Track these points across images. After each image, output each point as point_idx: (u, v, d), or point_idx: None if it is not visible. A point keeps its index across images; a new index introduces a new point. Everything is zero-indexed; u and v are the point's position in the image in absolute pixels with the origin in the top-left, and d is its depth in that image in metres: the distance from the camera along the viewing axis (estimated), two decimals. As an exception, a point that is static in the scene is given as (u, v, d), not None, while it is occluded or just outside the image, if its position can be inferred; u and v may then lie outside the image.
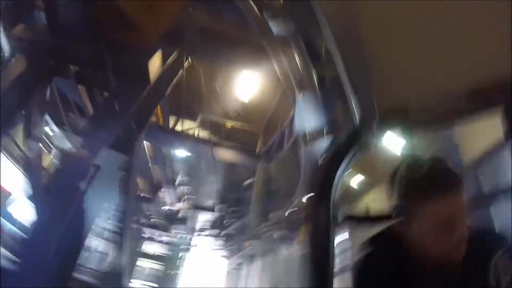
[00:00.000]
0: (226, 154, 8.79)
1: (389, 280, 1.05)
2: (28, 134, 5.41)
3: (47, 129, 9.30)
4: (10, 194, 11.13)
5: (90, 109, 6.74)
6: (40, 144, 5.76)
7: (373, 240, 1.27)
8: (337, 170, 1.75)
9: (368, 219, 1.87)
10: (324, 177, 1.72)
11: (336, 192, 1.83)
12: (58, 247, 2.99)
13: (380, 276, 1.08)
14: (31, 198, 5.13)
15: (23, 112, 5.42)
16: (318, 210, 1.69)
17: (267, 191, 9.69)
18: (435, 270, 1.02)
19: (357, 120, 2.05)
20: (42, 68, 4.96)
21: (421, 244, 1.03)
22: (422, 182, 1.08)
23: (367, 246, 1.26)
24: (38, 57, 4.84)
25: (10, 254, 4.04)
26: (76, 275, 5.18)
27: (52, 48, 4.94)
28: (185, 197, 14.58)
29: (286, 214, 9.13)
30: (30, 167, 5.41)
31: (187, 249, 22.94)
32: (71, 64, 5.48)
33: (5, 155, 11.54)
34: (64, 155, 4.65)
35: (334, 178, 1.73)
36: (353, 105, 2.06)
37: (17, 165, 10.99)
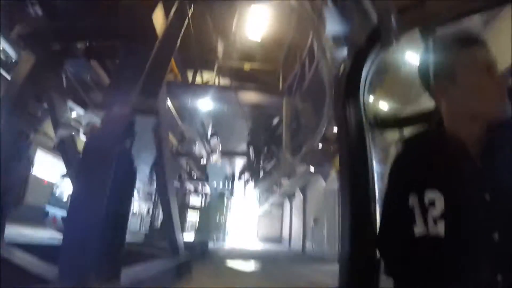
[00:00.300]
0: (250, 97, 8.82)
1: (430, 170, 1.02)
2: (56, 123, 5.73)
3: (74, 114, 9.80)
4: (53, 184, 12.03)
5: (106, 81, 6.96)
6: (69, 129, 6.09)
7: (410, 139, 1.23)
8: (362, 69, 1.77)
9: (403, 120, 1.78)
10: (349, 76, 1.76)
11: (365, 93, 1.86)
12: (105, 218, 3.12)
13: (419, 168, 1.05)
14: (71, 178, 5.53)
15: (46, 104, 5.68)
16: (348, 111, 1.75)
17: (297, 125, 9.79)
18: (486, 127, 1.00)
19: (376, 18, 2.01)
20: (51, 56, 5.01)
21: (469, 98, 1.01)
22: (455, 38, 1.07)
23: (403, 144, 1.21)
24: (44, 47, 4.86)
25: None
26: (128, 240, 5.49)
27: (54, 33, 4.95)
28: (219, 147, 15.05)
29: (318, 145, 9.24)
30: (65, 151, 5.80)
31: (230, 196, 24.23)
32: (76, 41, 5.53)
33: (41, 149, 12.26)
34: (92, 128, 4.79)
35: (360, 77, 1.76)
36: (370, 5, 2.02)
37: (54, 155, 11.67)
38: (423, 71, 1.15)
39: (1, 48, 7.45)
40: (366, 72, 1.71)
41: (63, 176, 10.96)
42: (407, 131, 1.62)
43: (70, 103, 8.22)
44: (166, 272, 5.49)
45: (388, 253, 1.11)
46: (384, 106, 6.62)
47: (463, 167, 0.98)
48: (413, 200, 1.01)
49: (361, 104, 1.63)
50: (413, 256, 1.00)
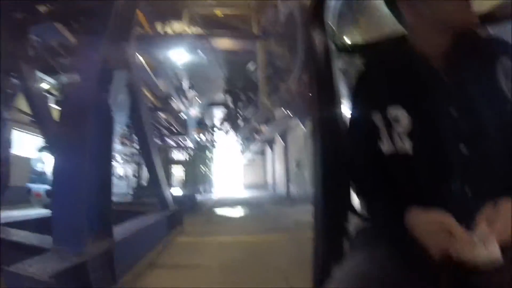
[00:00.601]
0: (224, 44, 8.52)
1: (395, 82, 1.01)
2: (28, 95, 5.43)
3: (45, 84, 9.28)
4: (31, 159, 11.57)
5: (74, 42, 6.52)
6: (43, 98, 5.79)
7: (372, 56, 1.23)
8: None
9: (370, 44, 1.72)
10: (315, 4, 1.72)
11: (334, 22, 1.84)
12: (90, 179, 3.11)
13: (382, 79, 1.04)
14: (51, 147, 5.37)
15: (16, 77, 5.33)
16: (314, 39, 1.73)
17: (273, 69, 9.67)
18: (453, 40, 0.97)
19: None
20: (14, 26, 4.61)
21: (434, 8, 0.94)
22: None
23: (366, 61, 1.19)
24: (5, 17, 4.45)
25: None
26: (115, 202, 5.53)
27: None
28: (196, 99, 14.82)
29: (294, 87, 9.23)
30: (42, 121, 5.56)
31: (213, 148, 24.45)
32: (37, 4, 5.08)
33: (18, 127, 11.66)
34: (64, 91, 4.57)
35: (323, 5, 1.74)
36: None
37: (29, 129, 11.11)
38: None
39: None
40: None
41: (41, 149, 10.60)
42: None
43: (40, 73, 7.79)
44: (157, 224, 5.65)
45: (358, 174, 1.09)
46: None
47: (428, 81, 0.96)
48: (377, 118, 1.00)
49: (329, 31, 1.62)
50: (382, 175, 1.00)
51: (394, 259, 0.88)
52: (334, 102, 1.60)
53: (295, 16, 6.23)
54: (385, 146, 0.98)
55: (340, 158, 1.25)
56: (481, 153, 0.89)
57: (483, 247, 0.72)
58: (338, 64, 1.81)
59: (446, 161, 0.91)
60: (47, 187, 9.53)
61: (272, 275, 3.85)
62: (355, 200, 1.34)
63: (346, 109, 1.68)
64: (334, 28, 1.91)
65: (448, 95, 0.93)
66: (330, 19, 1.80)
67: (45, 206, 9.07)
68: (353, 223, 1.38)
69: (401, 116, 0.95)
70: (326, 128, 1.55)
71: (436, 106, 0.93)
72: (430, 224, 0.81)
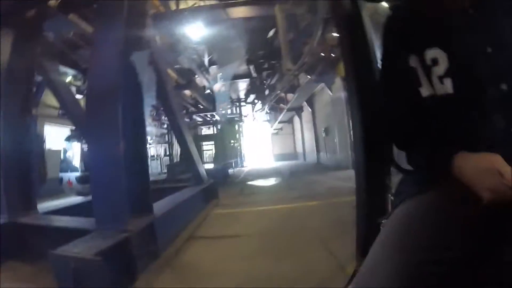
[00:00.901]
0: (240, 12, 8.23)
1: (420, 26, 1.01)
2: (54, 89, 5.56)
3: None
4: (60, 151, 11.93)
5: (90, 31, 6.55)
6: (68, 90, 5.91)
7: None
8: None
9: None
10: None
11: None
12: (125, 159, 3.16)
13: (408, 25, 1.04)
14: (78, 136, 5.54)
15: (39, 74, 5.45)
16: None
17: (294, 33, 9.30)
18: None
19: None
20: (29, 24, 4.64)
21: None
22: None
23: (395, 6, 1.18)
24: (19, 18, 4.48)
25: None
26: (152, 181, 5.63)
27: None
28: (219, 74, 14.70)
29: (318, 50, 8.85)
30: (71, 112, 5.71)
31: (240, 120, 24.50)
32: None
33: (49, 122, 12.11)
34: (89, 79, 4.61)
35: None
36: None
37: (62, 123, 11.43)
38: None
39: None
40: None
41: (68, 138, 10.95)
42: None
43: (62, 67, 7.97)
44: (194, 198, 5.80)
45: (398, 123, 1.08)
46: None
47: (460, 21, 0.95)
48: (414, 61, 0.99)
49: None
50: (424, 118, 0.99)
51: (442, 203, 0.87)
52: (367, 51, 1.53)
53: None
54: (425, 89, 0.98)
55: (379, 112, 1.24)
56: None
57: None
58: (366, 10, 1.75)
59: (488, 99, 0.90)
60: (77, 174, 9.94)
61: (309, 240, 3.87)
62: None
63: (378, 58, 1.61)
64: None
65: (481, 32, 0.93)
66: None
67: (78, 193, 9.50)
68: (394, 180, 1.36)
69: (440, 58, 0.94)
70: (362, 82, 1.50)
71: (470, 45, 0.93)
72: (479, 166, 0.81)
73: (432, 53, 0.96)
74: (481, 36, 0.92)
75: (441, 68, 0.94)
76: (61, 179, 10.61)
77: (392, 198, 1.22)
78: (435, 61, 0.95)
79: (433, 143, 0.96)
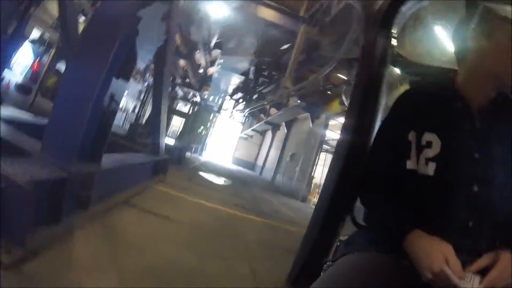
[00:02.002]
0: (267, 13, 8.21)
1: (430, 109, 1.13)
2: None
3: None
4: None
5: None
6: (75, 9, 5.53)
7: (423, 82, 1.34)
8: (401, 5, 1.70)
9: (423, 66, 1.85)
10: (389, 7, 1.66)
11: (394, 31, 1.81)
12: (96, 102, 3.00)
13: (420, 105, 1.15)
14: (66, 58, 5.19)
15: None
16: (377, 40, 1.69)
17: (306, 57, 9.42)
18: (493, 96, 1.10)
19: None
20: None
21: (484, 60, 1.08)
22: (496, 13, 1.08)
23: (416, 84, 1.35)
24: None
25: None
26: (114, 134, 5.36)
27: None
28: (219, 60, 14.48)
29: (320, 82, 9.01)
30: (66, 28, 5.35)
31: (218, 112, 24.22)
32: None
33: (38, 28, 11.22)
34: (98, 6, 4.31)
35: (397, 12, 1.70)
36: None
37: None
38: (457, 30, 1.20)
39: None
40: (403, 10, 1.70)
41: (34, 42, 9.98)
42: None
43: None
44: (143, 166, 5.60)
45: (374, 179, 1.18)
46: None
47: (465, 123, 1.09)
48: (412, 137, 1.11)
49: (390, 38, 1.67)
50: (399, 187, 1.11)
51: (385, 265, 0.97)
52: (374, 108, 1.57)
53: (352, 11, 5.95)
54: (410, 163, 1.10)
55: (360, 165, 1.32)
56: (488, 197, 1.00)
57: (470, 284, 0.86)
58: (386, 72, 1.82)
59: (458, 193, 1.01)
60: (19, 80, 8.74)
61: (236, 249, 3.85)
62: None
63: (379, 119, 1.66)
64: (396, 37, 1.92)
65: (477, 139, 1.06)
66: (396, 28, 1.80)
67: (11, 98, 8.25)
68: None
69: (435, 142, 1.07)
70: (358, 133, 1.53)
71: (464, 145, 1.05)
72: (430, 248, 0.91)
73: (429, 136, 1.08)
74: (475, 142, 1.05)
75: (431, 152, 1.06)
76: (2, 78, 9.56)
77: (338, 244, 1.37)
78: (428, 144, 1.07)
79: (397, 212, 1.06)
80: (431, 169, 1.05)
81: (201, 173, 11.67)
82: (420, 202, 1.05)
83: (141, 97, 18.94)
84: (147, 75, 15.62)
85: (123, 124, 18.91)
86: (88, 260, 2.39)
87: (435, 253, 0.89)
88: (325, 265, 1.11)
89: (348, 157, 1.60)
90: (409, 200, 1.07)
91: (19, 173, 1.88)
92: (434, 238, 0.93)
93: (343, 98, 9.19)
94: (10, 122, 4.02)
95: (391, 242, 1.01)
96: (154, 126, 6.99)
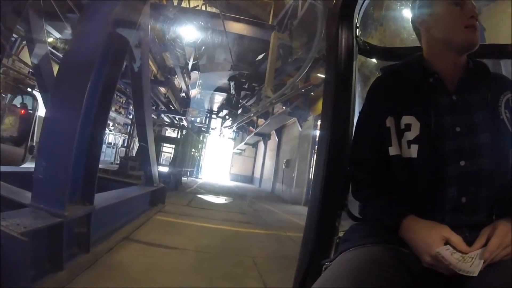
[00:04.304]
0: (238, 27, 8.32)
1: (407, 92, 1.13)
2: (32, 43, 5.22)
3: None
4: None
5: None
6: (45, 49, 5.56)
7: (393, 66, 1.30)
8: None
9: (391, 50, 1.83)
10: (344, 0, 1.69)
11: (358, 20, 1.84)
12: (79, 142, 3.00)
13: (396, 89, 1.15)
14: (45, 103, 5.18)
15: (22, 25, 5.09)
16: (340, 34, 1.71)
17: (282, 63, 9.53)
18: (462, 65, 1.11)
19: None
20: None
21: (442, 28, 1.10)
22: None
23: (387, 69, 1.30)
24: None
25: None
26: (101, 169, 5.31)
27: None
28: (199, 81, 14.58)
29: (299, 85, 9.10)
30: (40, 74, 5.36)
31: (207, 132, 24.24)
32: None
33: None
34: (69, 46, 4.32)
35: (355, 3, 1.73)
36: None
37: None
38: (414, 8, 1.23)
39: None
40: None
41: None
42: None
43: (47, 27, 7.50)
44: (139, 198, 5.55)
45: (360, 172, 1.17)
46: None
47: (440, 98, 1.08)
48: (390, 122, 1.10)
49: (354, 29, 1.66)
50: (386, 175, 1.09)
51: (384, 256, 0.94)
52: (349, 101, 1.58)
53: (317, 11, 6.08)
54: (393, 149, 1.08)
55: (345, 158, 1.31)
56: (477, 169, 0.99)
57: (470, 263, 0.83)
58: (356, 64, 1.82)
59: (446, 171, 1.00)
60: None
61: (246, 267, 3.80)
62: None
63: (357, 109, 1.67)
64: (359, 28, 1.93)
65: (456, 113, 1.05)
66: (357, 19, 1.81)
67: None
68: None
69: (413, 124, 1.05)
70: (336, 127, 1.53)
71: (444, 121, 1.04)
72: (426, 232, 0.91)
73: (407, 119, 1.07)
74: (454, 117, 1.04)
75: (412, 134, 1.05)
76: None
77: (337, 241, 1.32)
78: (408, 127, 1.06)
79: (388, 200, 1.06)
80: (414, 151, 1.03)
81: (200, 196, 11.58)
82: (409, 186, 1.04)
83: (128, 130, 18.91)
84: (130, 108, 15.64)
85: (114, 160, 18.77)
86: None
87: (431, 236, 0.89)
88: (323, 266, 1.08)
89: (331, 152, 1.59)
90: (399, 186, 1.06)
91: (13, 225, 1.86)
92: (429, 221, 0.93)
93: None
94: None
95: (388, 232, 1.00)
96: (144, 157, 6.96)
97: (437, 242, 0.87)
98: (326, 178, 1.53)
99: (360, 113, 1.29)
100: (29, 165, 6.27)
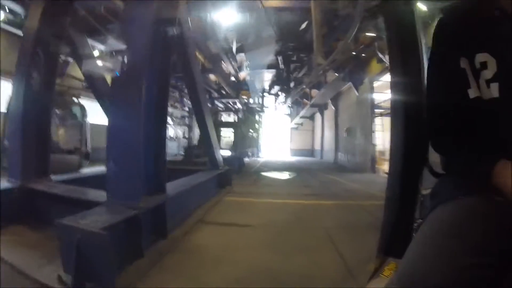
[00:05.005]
0: (275, 2, 8.05)
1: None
2: (80, 60, 5.57)
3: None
4: None
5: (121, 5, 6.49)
6: (94, 62, 5.93)
7: (456, 5, 1.18)
8: None
9: None
10: None
11: None
12: (144, 138, 3.16)
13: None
14: (105, 110, 5.55)
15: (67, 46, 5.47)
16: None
17: (328, 28, 9.06)
18: None
19: None
20: None
21: None
22: None
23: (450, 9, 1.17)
24: None
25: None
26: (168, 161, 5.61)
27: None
28: (246, 62, 14.57)
29: (350, 47, 8.58)
30: (95, 85, 5.74)
31: (262, 111, 24.35)
32: None
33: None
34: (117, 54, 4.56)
35: None
36: None
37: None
38: None
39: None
40: None
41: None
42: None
43: (90, 41, 8.02)
44: (207, 183, 5.78)
45: (442, 121, 1.07)
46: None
47: (509, 29, 0.97)
48: (464, 63, 1.01)
49: None
50: (470, 120, 0.99)
51: (488, 208, 0.88)
52: (415, 48, 1.45)
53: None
54: (472, 91, 0.99)
55: (421, 113, 1.26)
56: None
57: None
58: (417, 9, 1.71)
59: None
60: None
61: (320, 239, 3.78)
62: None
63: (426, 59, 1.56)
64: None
65: None
66: None
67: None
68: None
69: (489, 62, 0.97)
70: (408, 80, 1.43)
71: None
72: None
73: (482, 57, 0.98)
74: None
75: (489, 72, 0.96)
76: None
77: (422, 200, 1.30)
78: (484, 65, 0.98)
79: (475, 147, 0.97)
80: (494, 90, 0.95)
81: (264, 174, 11.77)
82: (495, 129, 0.95)
83: (186, 121, 19.78)
84: (185, 100, 16.28)
85: (178, 151, 19.84)
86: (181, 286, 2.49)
87: None
88: (415, 225, 1.07)
89: (406, 109, 1.50)
90: (483, 131, 0.97)
91: (93, 222, 2.03)
92: None
93: (380, 55, 8.66)
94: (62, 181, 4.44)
95: (477, 182, 0.93)
96: (206, 144, 7.23)
97: None
98: (404, 136, 1.44)
99: (429, 59, 1.18)
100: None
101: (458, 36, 1.06)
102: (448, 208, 0.94)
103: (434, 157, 1.16)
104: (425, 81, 1.21)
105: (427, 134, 1.14)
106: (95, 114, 12.04)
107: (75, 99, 8.82)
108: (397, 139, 1.45)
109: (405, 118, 1.38)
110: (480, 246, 0.78)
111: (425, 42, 1.55)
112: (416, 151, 1.35)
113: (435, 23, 1.20)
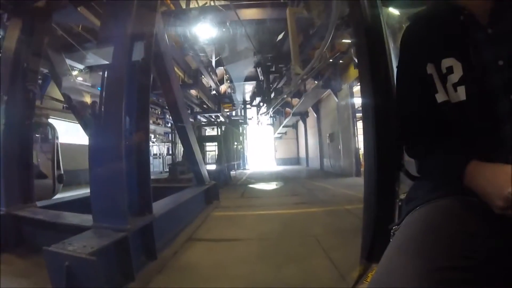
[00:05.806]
0: (251, 13, 8.18)
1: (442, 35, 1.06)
2: (59, 80, 5.51)
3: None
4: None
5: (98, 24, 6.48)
6: (73, 83, 5.87)
7: (422, 12, 1.22)
8: None
9: None
10: None
11: None
12: (126, 158, 3.10)
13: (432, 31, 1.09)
14: (85, 130, 5.48)
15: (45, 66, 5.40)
16: None
17: (304, 37, 9.24)
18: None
19: None
20: (38, 15, 4.58)
21: None
22: None
23: (416, 16, 1.22)
24: (28, 8, 4.45)
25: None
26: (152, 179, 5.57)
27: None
28: (226, 75, 14.65)
29: (327, 55, 8.78)
30: (73, 106, 5.67)
31: (244, 122, 24.42)
32: None
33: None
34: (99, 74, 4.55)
35: None
36: None
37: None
38: None
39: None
40: None
41: None
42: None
43: (68, 60, 7.94)
44: (194, 199, 5.72)
45: (411, 126, 1.11)
46: None
47: (476, 35, 1.01)
48: (431, 69, 1.05)
49: None
50: (439, 124, 1.04)
51: (454, 209, 0.90)
52: (383, 55, 1.50)
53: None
54: (440, 96, 1.03)
55: (392, 117, 1.29)
56: None
57: None
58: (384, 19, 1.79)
59: (499, 108, 0.94)
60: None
61: (310, 247, 3.78)
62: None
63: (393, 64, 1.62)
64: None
65: (494, 46, 0.97)
66: None
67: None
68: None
69: (455, 66, 1.00)
70: (377, 87, 1.47)
71: (484, 57, 0.97)
72: (493, 176, 0.84)
73: (448, 62, 1.02)
74: (494, 50, 0.97)
75: (455, 76, 1.00)
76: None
77: (400, 204, 1.27)
78: (450, 70, 1.01)
79: (446, 150, 1.00)
80: (461, 93, 0.99)
81: (251, 186, 11.74)
82: (464, 131, 0.99)
83: (170, 137, 19.64)
84: (167, 116, 16.19)
85: (163, 169, 19.61)
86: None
87: (499, 177, 0.83)
88: (392, 231, 1.05)
89: (377, 115, 1.54)
90: (453, 134, 1.01)
91: (80, 247, 1.98)
92: (494, 164, 0.87)
93: (356, 60, 8.86)
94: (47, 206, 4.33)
95: (452, 184, 0.95)
96: (191, 159, 7.16)
97: (507, 182, 0.80)
98: (377, 142, 1.48)
99: (397, 66, 1.23)
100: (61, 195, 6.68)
101: (424, 42, 1.09)
102: (423, 211, 0.96)
103: (411, 160, 1.19)
104: (394, 87, 1.26)
105: (399, 140, 1.18)
106: (64, 133, 11.88)
107: (43, 119, 8.59)
108: (369, 145, 1.49)
109: (376, 123, 1.42)
110: (457, 248, 0.79)
111: (394, 49, 1.62)
112: (389, 156, 1.39)
113: (403, 31, 1.27)
